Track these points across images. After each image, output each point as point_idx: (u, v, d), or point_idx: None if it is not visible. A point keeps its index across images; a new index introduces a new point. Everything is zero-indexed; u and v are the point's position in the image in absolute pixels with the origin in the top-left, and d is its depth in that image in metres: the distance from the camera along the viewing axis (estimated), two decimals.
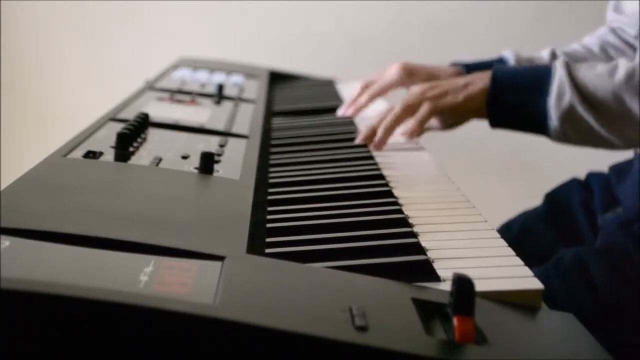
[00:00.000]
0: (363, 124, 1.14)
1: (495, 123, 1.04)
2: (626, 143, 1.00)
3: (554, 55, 1.23)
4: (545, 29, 2.06)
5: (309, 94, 1.41)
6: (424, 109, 1.01)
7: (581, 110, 0.97)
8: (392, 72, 1.19)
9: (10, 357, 0.43)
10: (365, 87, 1.21)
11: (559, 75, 0.99)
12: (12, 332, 0.43)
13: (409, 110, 1.01)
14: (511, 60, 1.21)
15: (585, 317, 0.57)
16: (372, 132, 1.00)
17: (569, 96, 0.97)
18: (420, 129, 1.01)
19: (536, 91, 1.00)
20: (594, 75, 0.99)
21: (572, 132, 0.99)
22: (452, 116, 1.05)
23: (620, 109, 0.96)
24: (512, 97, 1.02)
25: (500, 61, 1.22)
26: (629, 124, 0.97)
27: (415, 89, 1.04)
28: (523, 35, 2.06)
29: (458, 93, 1.02)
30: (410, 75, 1.18)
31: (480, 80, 1.03)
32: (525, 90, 1.02)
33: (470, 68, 1.21)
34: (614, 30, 1.26)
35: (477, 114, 1.04)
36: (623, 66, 0.98)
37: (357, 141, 1.00)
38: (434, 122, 1.08)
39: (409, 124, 1.01)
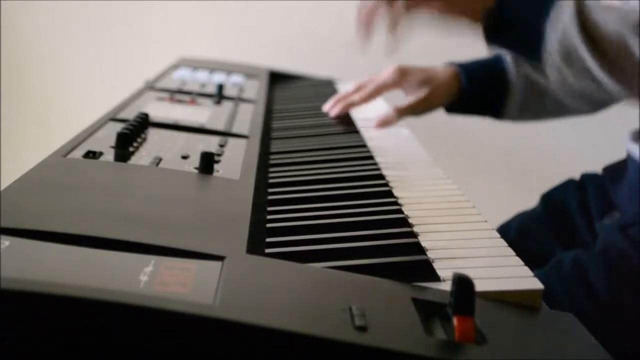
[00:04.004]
0: (362, 124, 1.14)
1: (489, 36, 0.98)
2: (621, 91, 0.93)
3: None
4: None
5: (309, 94, 1.41)
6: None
7: (576, 41, 0.90)
8: (386, 73, 1.18)
9: (10, 357, 0.43)
10: (360, 88, 1.20)
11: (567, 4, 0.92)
12: (12, 332, 0.43)
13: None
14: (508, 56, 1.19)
15: (585, 321, 0.57)
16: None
17: (571, 31, 0.90)
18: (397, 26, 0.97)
19: (537, 11, 0.93)
20: (602, 7, 0.91)
21: (567, 70, 0.92)
22: (440, 17, 0.98)
23: (624, 49, 0.89)
24: (513, 8, 0.95)
25: (498, 58, 1.20)
26: (632, 65, 0.90)
27: None
28: None
29: None
30: (404, 75, 1.17)
31: None
32: (526, 6, 0.95)
33: (466, 68, 1.20)
34: None
35: (468, 16, 0.98)
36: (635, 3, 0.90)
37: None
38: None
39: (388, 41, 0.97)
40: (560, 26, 0.91)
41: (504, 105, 1.20)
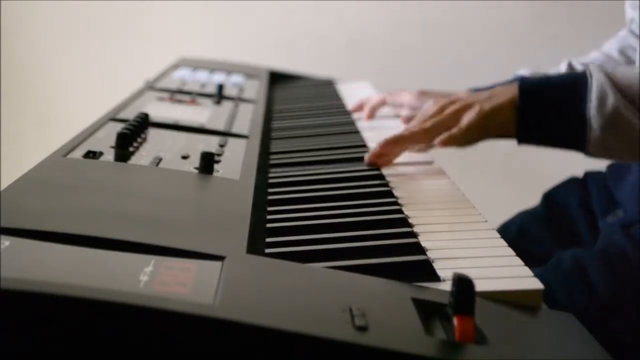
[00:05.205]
0: (363, 125, 1.14)
1: (523, 137, 0.91)
2: None
3: (571, 68, 1.16)
4: (545, 29, 2.06)
5: (309, 94, 1.41)
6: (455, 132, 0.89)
7: (627, 113, 0.86)
8: (407, 97, 1.18)
9: (10, 357, 0.43)
10: (383, 103, 1.21)
11: (597, 78, 0.87)
12: (12, 332, 0.43)
13: (427, 135, 0.91)
14: None
15: (584, 319, 0.56)
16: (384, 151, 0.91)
17: (612, 100, 0.86)
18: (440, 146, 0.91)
19: (572, 99, 0.88)
20: (636, 74, 0.87)
21: (614, 140, 0.87)
22: (474, 132, 0.91)
23: None
24: (544, 107, 0.89)
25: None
26: None
27: (432, 107, 0.94)
28: (523, 35, 2.06)
29: (484, 103, 0.90)
30: (424, 95, 1.17)
31: (506, 92, 0.91)
32: (559, 99, 0.89)
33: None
34: (632, 31, 1.19)
35: (502, 130, 0.91)
36: None
37: (367, 160, 0.90)
38: None
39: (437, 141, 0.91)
40: (596, 94, 0.87)
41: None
